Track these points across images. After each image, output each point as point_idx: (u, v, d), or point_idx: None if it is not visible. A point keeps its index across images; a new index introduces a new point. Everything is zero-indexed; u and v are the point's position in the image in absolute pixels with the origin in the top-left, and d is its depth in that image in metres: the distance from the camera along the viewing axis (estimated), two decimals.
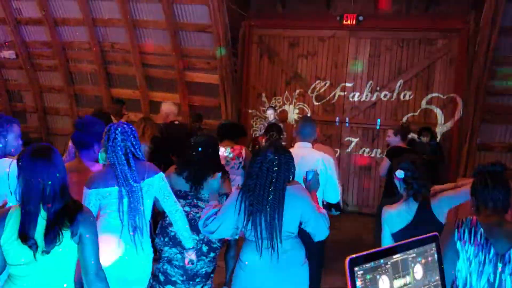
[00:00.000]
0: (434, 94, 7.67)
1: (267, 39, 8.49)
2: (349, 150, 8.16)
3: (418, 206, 2.78)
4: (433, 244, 1.55)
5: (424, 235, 1.55)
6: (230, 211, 2.70)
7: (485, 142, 7.09)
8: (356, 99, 8.09)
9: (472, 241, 2.17)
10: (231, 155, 4.41)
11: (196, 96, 8.51)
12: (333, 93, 8.22)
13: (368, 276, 1.34)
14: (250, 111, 8.62)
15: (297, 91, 8.43)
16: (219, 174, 3.03)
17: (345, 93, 8.14)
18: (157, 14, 7.93)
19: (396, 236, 2.76)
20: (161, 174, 2.87)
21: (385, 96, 7.91)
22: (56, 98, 9.49)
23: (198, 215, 3.17)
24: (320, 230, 2.72)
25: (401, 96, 7.82)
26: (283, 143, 5.77)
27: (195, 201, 3.26)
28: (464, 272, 2.19)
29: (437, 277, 1.54)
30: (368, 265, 1.35)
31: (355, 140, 8.16)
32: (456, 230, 2.21)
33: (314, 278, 3.85)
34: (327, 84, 8.24)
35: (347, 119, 8.11)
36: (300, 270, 2.74)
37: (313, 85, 8.31)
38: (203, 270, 3.24)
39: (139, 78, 8.56)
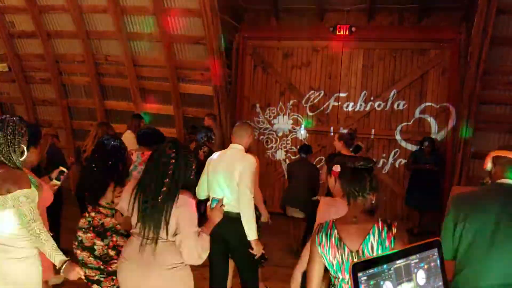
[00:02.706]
0: (428, 104, 7.73)
1: (261, 50, 8.54)
2: None
3: None
4: (435, 249, 1.54)
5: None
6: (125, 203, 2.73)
7: (479, 151, 7.13)
8: (350, 109, 8.14)
9: (328, 243, 2.22)
10: (139, 160, 4.36)
11: (190, 108, 8.51)
12: (327, 103, 8.26)
13: (371, 282, 1.32)
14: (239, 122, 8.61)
15: (291, 101, 8.46)
16: None
17: (339, 103, 8.18)
18: (151, 26, 7.95)
19: None
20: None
21: (379, 105, 7.96)
22: (49, 111, 9.45)
23: (101, 221, 3.16)
24: (190, 253, 2.63)
25: (395, 106, 7.87)
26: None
27: (98, 207, 3.20)
28: (334, 273, 2.26)
29: (440, 283, 1.52)
30: (371, 270, 1.33)
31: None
32: (316, 236, 2.27)
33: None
34: (321, 95, 8.28)
35: (341, 129, 8.12)
36: (167, 273, 2.66)
37: (307, 96, 8.34)
38: None
39: (133, 90, 8.55)
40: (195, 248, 2.62)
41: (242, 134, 3.92)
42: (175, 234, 2.62)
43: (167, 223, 2.58)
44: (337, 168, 2.99)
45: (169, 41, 7.97)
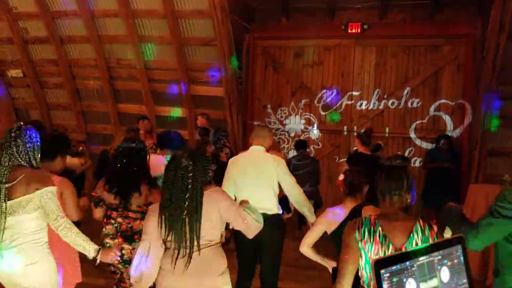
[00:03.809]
0: (442, 101, 7.61)
1: (271, 50, 8.50)
2: None
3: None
4: (459, 246, 1.49)
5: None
6: (153, 226, 2.60)
7: (496, 148, 7.00)
8: (363, 107, 8.05)
9: (372, 239, 2.20)
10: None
11: (202, 109, 8.50)
12: (340, 102, 8.18)
13: (394, 279, 1.29)
14: (255, 123, 8.58)
15: (303, 101, 8.40)
16: None
17: (353, 101, 8.10)
18: (162, 29, 7.97)
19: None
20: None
21: (392, 104, 7.86)
22: (63, 115, 9.52)
23: (130, 225, 3.23)
24: (250, 225, 2.75)
25: (409, 104, 7.77)
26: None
27: (126, 212, 3.24)
28: (369, 270, 2.20)
29: (465, 280, 1.47)
30: (394, 267, 1.29)
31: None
32: (356, 231, 2.24)
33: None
34: (334, 93, 8.21)
35: (355, 128, 8.05)
36: (216, 281, 2.65)
37: (319, 95, 8.28)
38: None
39: (145, 93, 8.57)
40: (249, 217, 2.71)
41: (264, 136, 3.99)
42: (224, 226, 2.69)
43: (197, 233, 2.54)
44: (341, 177, 3.23)
45: (180, 44, 7.97)
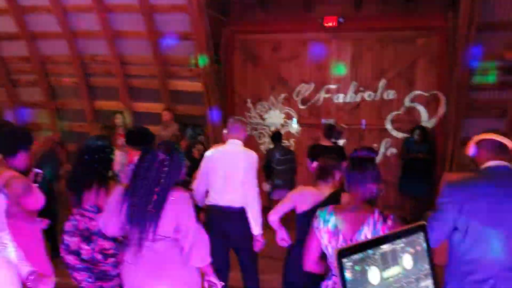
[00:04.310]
0: (417, 92, 7.73)
1: (249, 44, 8.50)
2: None
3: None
4: (421, 233, 1.53)
5: None
6: (116, 208, 2.65)
7: (469, 137, 7.12)
8: (340, 100, 8.12)
9: (325, 229, 2.29)
10: (124, 161, 4.31)
11: (181, 105, 8.46)
12: (318, 95, 8.24)
13: (357, 267, 1.31)
14: (231, 118, 8.56)
15: (282, 95, 8.43)
16: None
17: (330, 95, 8.17)
18: (138, 24, 7.89)
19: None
20: None
21: (369, 96, 7.95)
22: (37, 114, 9.36)
23: (86, 225, 3.15)
24: (197, 251, 2.63)
25: (385, 96, 7.87)
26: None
27: (82, 211, 3.18)
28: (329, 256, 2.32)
29: (427, 266, 1.52)
30: (356, 256, 1.32)
31: (341, 141, 8.14)
32: (316, 219, 2.34)
33: None
34: (312, 87, 8.25)
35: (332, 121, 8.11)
36: (178, 270, 2.66)
37: (298, 89, 8.32)
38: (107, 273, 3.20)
39: (121, 89, 8.49)
40: (201, 242, 2.64)
41: (239, 129, 4.01)
42: (175, 231, 2.61)
43: (156, 225, 2.54)
44: (314, 164, 3.36)
45: (156, 38, 7.90)
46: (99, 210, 3.11)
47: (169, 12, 7.64)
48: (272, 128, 8.52)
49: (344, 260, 1.28)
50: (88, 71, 8.63)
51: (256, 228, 3.79)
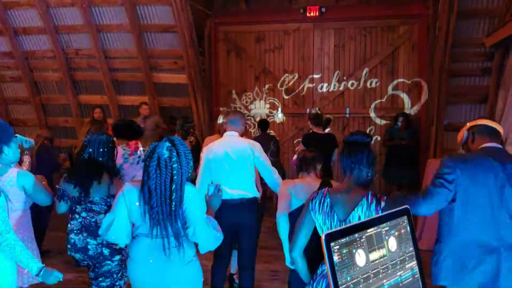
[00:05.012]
0: (400, 80, 7.86)
1: (233, 35, 8.53)
2: None
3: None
4: (405, 217, 1.62)
5: None
6: (121, 208, 2.59)
7: (452, 123, 7.31)
8: (324, 90, 8.22)
9: (320, 210, 2.34)
10: (128, 151, 4.27)
11: (166, 97, 8.48)
12: (302, 85, 8.32)
13: (344, 251, 1.40)
14: (221, 109, 8.64)
15: (267, 86, 8.50)
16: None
17: (314, 84, 8.26)
18: (120, 17, 7.86)
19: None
20: None
21: (352, 85, 8.06)
22: (22, 110, 9.29)
23: (93, 219, 3.16)
24: (207, 239, 2.64)
25: (368, 84, 7.99)
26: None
27: (89, 206, 3.19)
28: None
29: (411, 248, 1.61)
30: (343, 240, 1.40)
31: (326, 130, 8.25)
32: (310, 201, 2.38)
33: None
34: (296, 77, 8.34)
35: (307, 110, 8.21)
36: (183, 269, 2.65)
37: (282, 79, 8.39)
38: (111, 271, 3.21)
39: (106, 83, 8.46)
40: (211, 232, 2.62)
41: (238, 122, 3.99)
42: (186, 227, 2.60)
43: (181, 219, 2.54)
44: (295, 157, 3.37)
45: (139, 31, 7.89)
46: (110, 202, 3.12)
47: (151, 4, 7.63)
48: (258, 119, 8.58)
49: (332, 244, 1.36)
50: (72, 65, 8.59)
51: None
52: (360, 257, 1.44)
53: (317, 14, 7.87)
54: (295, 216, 3.23)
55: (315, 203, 2.36)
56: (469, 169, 2.53)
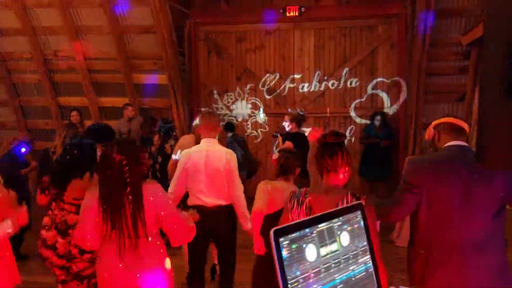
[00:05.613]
0: (379, 79, 7.93)
1: (213, 35, 8.51)
2: None
3: None
4: (358, 212, 1.63)
5: None
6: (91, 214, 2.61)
7: (430, 121, 7.36)
8: (305, 89, 8.25)
9: (299, 210, 2.35)
10: None
11: (146, 98, 8.43)
12: (283, 85, 8.34)
13: (294, 246, 1.40)
14: (202, 109, 8.58)
15: (248, 86, 8.51)
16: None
17: (295, 84, 8.28)
18: (99, 19, 7.80)
19: None
20: None
21: (332, 84, 8.10)
22: (0, 112, 9.17)
23: (64, 218, 3.16)
24: (180, 229, 2.66)
25: (348, 84, 8.04)
26: None
27: (62, 204, 3.19)
28: None
29: (365, 243, 1.62)
30: (293, 235, 1.40)
31: (307, 129, 8.25)
32: (289, 201, 2.40)
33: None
34: (277, 77, 8.35)
35: (298, 110, 8.24)
36: (155, 266, 2.66)
37: (263, 79, 8.40)
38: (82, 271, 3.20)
39: (85, 84, 8.39)
40: (183, 222, 2.64)
41: (215, 125, 3.93)
42: (156, 224, 2.61)
43: (142, 221, 2.54)
44: (275, 156, 3.41)
45: (118, 33, 7.83)
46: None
47: (130, 5, 7.58)
48: (240, 119, 8.60)
49: (281, 239, 1.37)
50: (51, 67, 8.50)
51: (247, 224, 3.79)
52: (311, 252, 1.44)
53: (296, 14, 7.89)
54: (271, 218, 3.26)
55: (294, 202, 2.38)
56: (433, 170, 2.53)
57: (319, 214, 1.53)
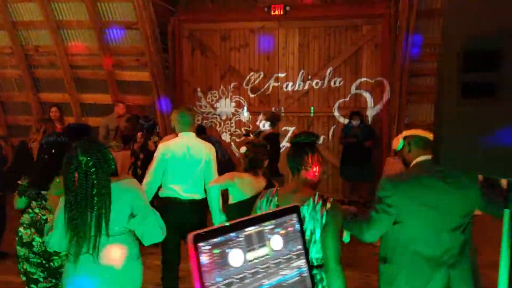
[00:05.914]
0: (363, 79, 7.88)
1: (198, 33, 8.43)
2: (286, 139, 8.25)
3: None
4: (294, 215, 1.57)
5: None
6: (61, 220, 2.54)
7: (413, 122, 7.36)
8: (289, 88, 8.20)
9: (267, 209, 2.34)
10: None
11: (129, 95, 8.34)
12: (268, 84, 8.28)
13: (216, 251, 1.34)
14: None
15: (232, 84, 8.44)
16: None
17: (279, 83, 8.22)
18: (81, 13, 7.70)
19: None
20: None
21: (316, 84, 8.05)
22: None
23: (44, 217, 3.15)
24: (150, 230, 2.60)
25: (332, 83, 7.98)
26: None
27: (43, 203, 3.17)
28: None
29: (300, 246, 1.56)
30: (216, 239, 1.34)
31: (291, 129, 8.25)
32: (259, 201, 2.40)
33: None
34: (261, 76, 8.29)
35: (282, 109, 8.19)
36: (133, 265, 2.65)
37: (248, 77, 8.34)
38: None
39: (67, 80, 8.28)
40: (157, 223, 2.62)
41: (191, 121, 3.94)
42: (130, 220, 2.57)
43: (107, 221, 2.48)
44: (242, 149, 3.36)
45: (100, 28, 7.73)
46: None
47: (112, 0, 7.48)
48: (224, 117, 8.54)
49: (201, 244, 1.30)
50: (31, 62, 8.38)
51: (218, 219, 3.67)
52: (236, 257, 1.38)
53: (281, 12, 7.83)
54: (236, 208, 3.22)
55: (263, 202, 2.37)
56: (409, 189, 2.45)
57: (247, 217, 1.47)
